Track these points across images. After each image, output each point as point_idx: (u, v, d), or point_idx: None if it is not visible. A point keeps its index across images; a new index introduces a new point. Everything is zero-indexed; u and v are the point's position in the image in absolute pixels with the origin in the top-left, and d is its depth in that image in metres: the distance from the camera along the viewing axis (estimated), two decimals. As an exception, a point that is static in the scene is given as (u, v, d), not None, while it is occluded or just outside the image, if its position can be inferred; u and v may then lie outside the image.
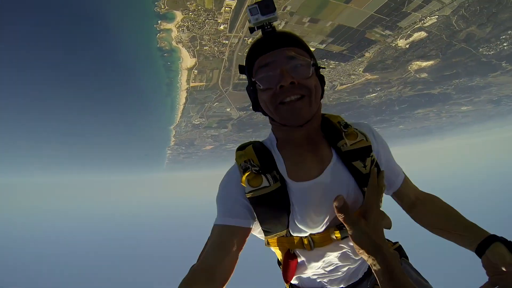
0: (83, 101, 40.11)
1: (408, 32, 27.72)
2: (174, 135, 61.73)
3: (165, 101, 39.95)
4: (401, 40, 29.22)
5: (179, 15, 22.51)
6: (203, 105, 42.84)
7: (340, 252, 2.11)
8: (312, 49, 27.46)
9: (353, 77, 37.04)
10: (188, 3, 21.13)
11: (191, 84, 34.66)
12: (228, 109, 45.72)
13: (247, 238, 2.07)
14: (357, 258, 2.16)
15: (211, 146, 76.98)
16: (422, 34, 28.31)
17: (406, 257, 2.56)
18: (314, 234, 2.02)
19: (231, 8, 21.77)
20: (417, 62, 35.00)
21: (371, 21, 25.36)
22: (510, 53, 35.01)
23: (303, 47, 2.11)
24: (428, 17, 25.60)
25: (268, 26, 2.10)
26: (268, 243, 2.18)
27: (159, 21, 23.15)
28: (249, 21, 2.13)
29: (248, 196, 1.94)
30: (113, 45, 27.49)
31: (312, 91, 1.97)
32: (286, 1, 21.26)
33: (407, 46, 30.44)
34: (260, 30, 2.17)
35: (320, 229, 2.04)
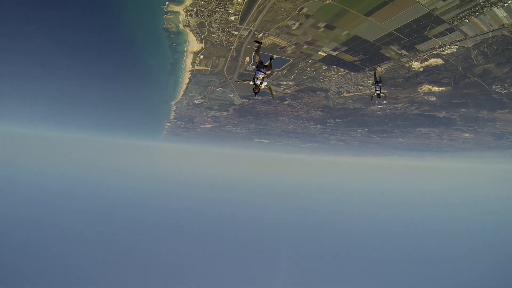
0: (93, 69, 41.46)
1: (425, 56, 26.71)
2: (174, 110, 62.96)
3: (168, 78, 40.33)
4: (416, 63, 28.20)
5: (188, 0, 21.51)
6: (206, 88, 42.59)
7: None
8: (324, 54, 26.67)
9: (361, 87, 36.11)
10: (199, -12, 20.12)
11: (196, 67, 34.23)
12: (231, 95, 45.41)
13: None
14: None
15: (210, 125, 77.68)
16: (439, 61, 27.28)
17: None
18: None
19: (244, 0, 20.71)
20: (428, 86, 34.05)
21: (389, 38, 24.31)
22: (522, 95, 34.25)
23: None
24: (448, 46, 24.61)
25: None
26: None
27: (166, 2, 22.22)
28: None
29: None
30: (121, 20, 26.65)
31: None
32: (304, 3, 20.17)
33: (421, 69, 29.46)
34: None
35: None
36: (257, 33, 24.76)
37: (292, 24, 22.76)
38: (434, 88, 34.66)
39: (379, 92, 21.44)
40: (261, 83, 13.27)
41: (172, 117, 72.51)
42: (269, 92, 15.05)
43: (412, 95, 37.95)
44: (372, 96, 22.40)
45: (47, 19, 26.74)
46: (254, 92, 13.39)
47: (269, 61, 14.13)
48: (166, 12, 23.42)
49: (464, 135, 60.58)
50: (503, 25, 20.21)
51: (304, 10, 20.90)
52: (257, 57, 13.58)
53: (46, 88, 54.72)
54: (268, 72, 13.57)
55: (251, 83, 13.38)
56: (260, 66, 13.38)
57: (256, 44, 14.87)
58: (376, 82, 21.74)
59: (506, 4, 17.61)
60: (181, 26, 25.11)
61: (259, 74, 13.17)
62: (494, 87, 32.18)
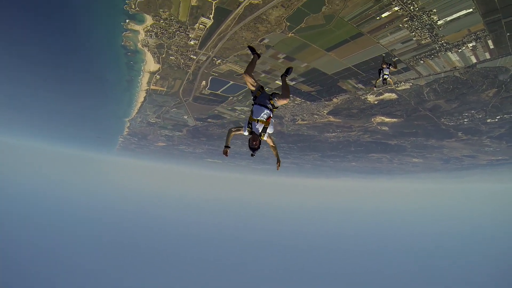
0: (44, 74, 38.03)
1: (380, 91, 27.22)
2: (128, 126, 61.38)
3: (123, 95, 38.93)
4: (371, 96, 28.66)
5: (149, 20, 20.28)
6: (160, 107, 41.32)
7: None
8: (280, 84, 26.28)
9: (316, 116, 36.25)
10: (161, 10, 18.95)
11: (152, 87, 33.09)
12: (186, 117, 44.12)
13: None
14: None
15: (163, 144, 76.10)
16: (393, 95, 27.90)
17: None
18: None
19: (205, 26, 19.85)
20: (382, 117, 34.82)
21: (347, 73, 24.44)
22: (467, 127, 35.89)
23: None
24: (402, 83, 25.20)
25: None
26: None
27: (127, 20, 20.94)
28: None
29: None
30: (79, 29, 24.77)
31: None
32: (265, 34, 19.66)
33: (376, 102, 29.99)
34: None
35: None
36: (215, 59, 24.01)
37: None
38: (387, 119, 35.51)
39: (387, 75, 16.39)
40: (264, 131, 6.97)
41: (125, 133, 70.67)
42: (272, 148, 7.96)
43: (366, 125, 38.67)
44: (376, 82, 18.10)
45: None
46: (252, 147, 6.78)
47: (284, 75, 8.02)
48: (126, 30, 22.11)
49: (413, 160, 63.02)
50: (455, 67, 20.91)
51: (265, 41, 20.42)
52: (249, 79, 6.96)
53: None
54: (285, 101, 7.30)
55: (245, 133, 6.91)
56: (262, 95, 7.12)
57: (252, 54, 7.62)
58: (388, 64, 16.48)
59: (460, 50, 18.14)
60: (139, 45, 23.97)
61: (262, 113, 6.95)
62: (442, 119, 33.50)
